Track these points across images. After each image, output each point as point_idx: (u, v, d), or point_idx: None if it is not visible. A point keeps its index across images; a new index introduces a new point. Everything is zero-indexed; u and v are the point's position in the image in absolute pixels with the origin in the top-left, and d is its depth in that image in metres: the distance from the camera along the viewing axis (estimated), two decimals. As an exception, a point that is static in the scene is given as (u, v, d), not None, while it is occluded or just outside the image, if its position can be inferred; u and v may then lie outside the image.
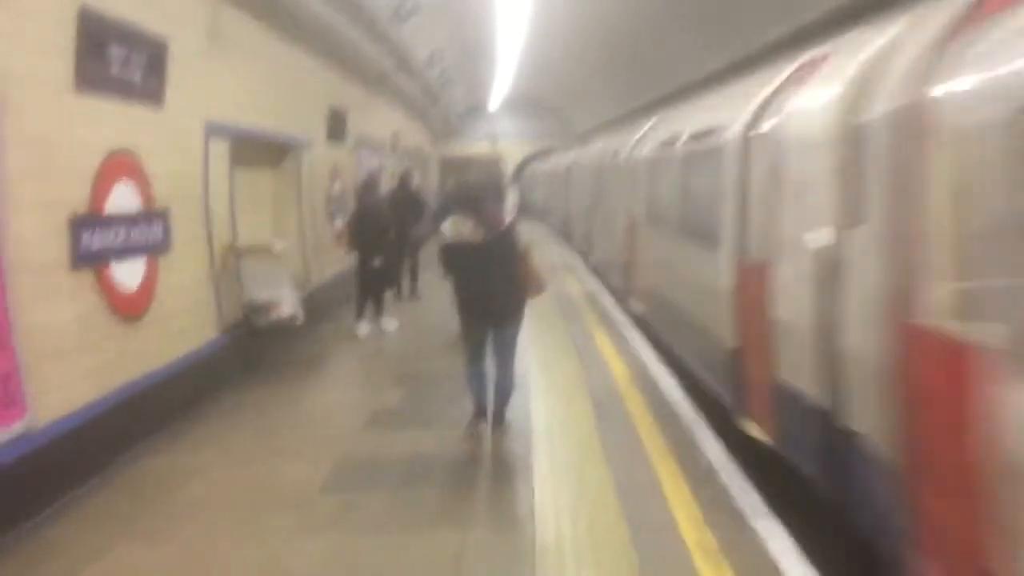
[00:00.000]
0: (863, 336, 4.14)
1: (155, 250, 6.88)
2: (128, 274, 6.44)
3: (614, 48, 19.82)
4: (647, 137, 12.07)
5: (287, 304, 9.11)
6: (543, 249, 21.45)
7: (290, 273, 9.96)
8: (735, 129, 6.65)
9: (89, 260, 5.86)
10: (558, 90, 31.90)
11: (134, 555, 4.61)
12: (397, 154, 20.93)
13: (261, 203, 10.93)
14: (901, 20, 4.53)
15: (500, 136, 39.61)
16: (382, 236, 10.69)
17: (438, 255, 6.54)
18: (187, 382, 7.33)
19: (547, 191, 32.23)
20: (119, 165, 6.29)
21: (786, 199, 5.31)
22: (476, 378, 6.64)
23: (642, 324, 10.88)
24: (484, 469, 5.91)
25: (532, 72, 27.61)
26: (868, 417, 4.10)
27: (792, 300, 5.12)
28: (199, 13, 7.82)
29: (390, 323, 11.10)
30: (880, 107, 4.09)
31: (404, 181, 13.96)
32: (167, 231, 7.09)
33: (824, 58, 5.46)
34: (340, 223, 13.66)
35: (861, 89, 4.42)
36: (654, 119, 13.07)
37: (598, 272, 16.61)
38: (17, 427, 4.93)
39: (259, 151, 10.46)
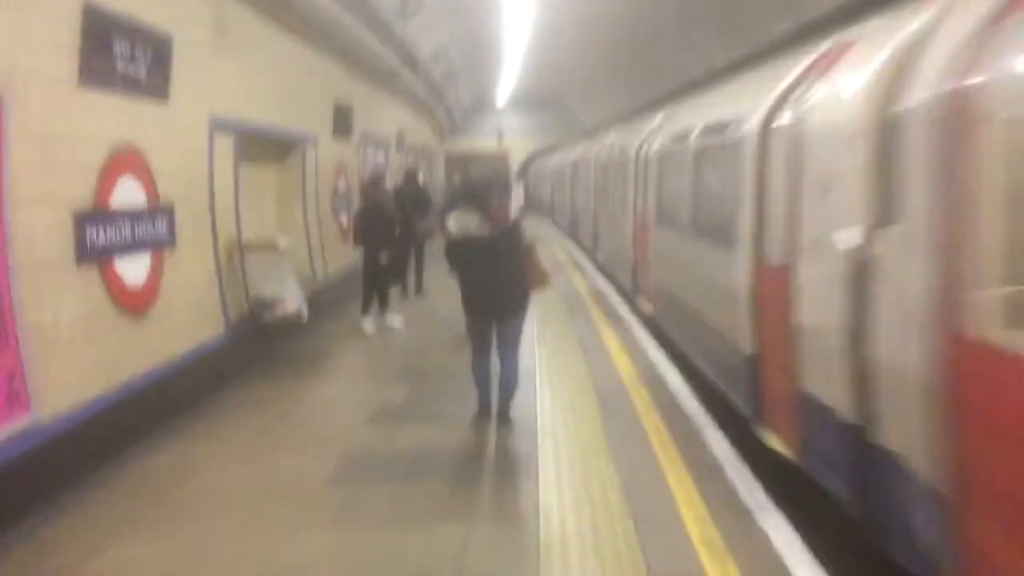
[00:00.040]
0: (901, 346, 3.77)
1: (160, 246, 6.89)
2: (133, 270, 6.45)
3: (620, 44, 19.79)
4: (656, 132, 11.65)
5: (292, 300, 9.11)
6: (549, 247, 21.45)
7: (295, 269, 9.96)
8: (753, 122, 6.27)
9: (94, 256, 5.86)
10: (564, 86, 31.89)
11: (138, 550, 4.61)
12: (403, 150, 20.92)
13: (266, 199, 10.94)
14: (932, 5, 4.19)
15: (506, 132, 39.62)
16: (388, 232, 10.67)
17: (444, 250, 6.54)
18: (192, 378, 7.33)
19: (553, 187, 31.88)
20: (124, 161, 6.29)
21: (811, 196, 4.93)
22: (481, 372, 6.69)
23: (650, 322, 10.85)
24: (489, 464, 5.90)
25: (538, 68, 27.56)
26: (907, 436, 3.75)
27: (818, 305, 4.75)
28: (204, 8, 7.81)
29: (395, 319, 11.08)
30: (920, 95, 3.74)
31: (410, 177, 13.95)
32: (172, 227, 7.10)
33: (850, 45, 5.08)
34: (345, 219, 13.66)
35: (896, 76, 4.07)
36: (663, 113, 12.63)
37: (605, 270, 16.36)
38: (21, 423, 4.94)
39: (264, 147, 10.46)
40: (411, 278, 13.49)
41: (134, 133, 6.45)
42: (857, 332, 4.21)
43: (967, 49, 3.46)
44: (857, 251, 4.21)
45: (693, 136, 8.58)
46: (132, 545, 4.67)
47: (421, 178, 15.64)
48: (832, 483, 4.66)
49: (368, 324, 10.78)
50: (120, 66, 6.17)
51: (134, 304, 6.43)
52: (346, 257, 13.30)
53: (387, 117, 18.63)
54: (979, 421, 3.22)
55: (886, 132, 4.05)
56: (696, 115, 9.24)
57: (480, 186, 6.32)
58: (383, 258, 10.53)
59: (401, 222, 11.14)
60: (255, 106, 9.39)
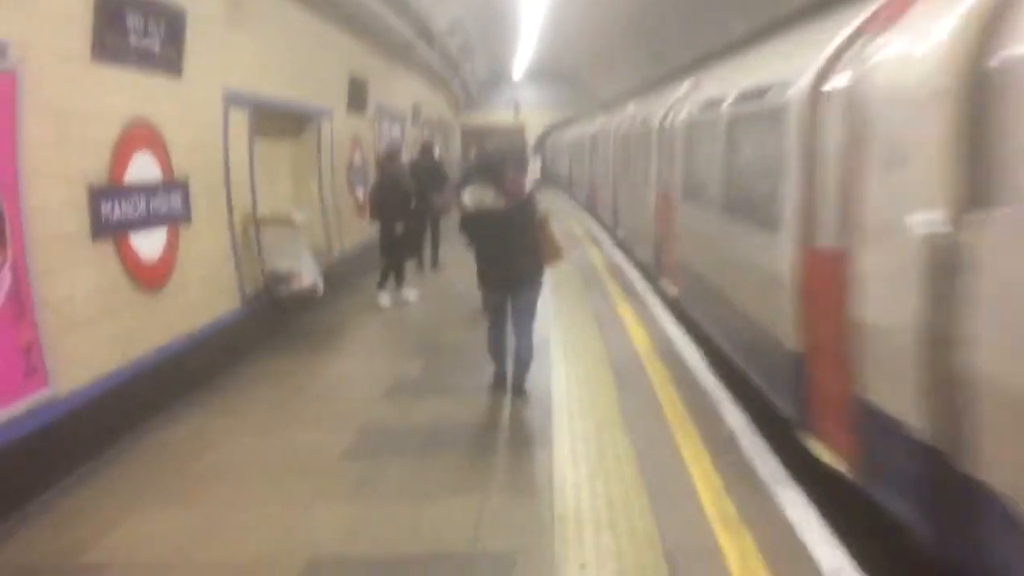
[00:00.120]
0: (1006, 358, 3.14)
1: (175, 220, 6.90)
2: (149, 244, 6.47)
3: (637, 16, 19.59)
4: (683, 100, 10.79)
5: (307, 274, 9.12)
6: (565, 221, 21.35)
7: (310, 243, 9.97)
8: (800, 85, 5.47)
9: (109, 230, 5.88)
10: (581, 59, 31.64)
11: (154, 523, 4.65)
12: (418, 124, 20.85)
13: (281, 173, 10.93)
14: None
15: (522, 105, 39.42)
16: (404, 206, 10.66)
17: (459, 224, 6.53)
18: (208, 352, 7.37)
19: (571, 161, 31.22)
20: (138, 135, 6.29)
21: (875, 170, 4.22)
22: (497, 345, 6.75)
23: (671, 302, 10.76)
24: (504, 438, 5.91)
25: (554, 41, 27.37)
26: (1009, 469, 3.16)
27: (886, 299, 4.06)
28: (217, -19, 7.77)
29: (411, 293, 11.09)
30: None
31: (426, 150, 13.90)
32: (187, 201, 7.10)
33: None
34: (361, 193, 13.65)
35: (991, 21, 3.42)
36: (690, 81, 11.60)
37: (625, 247, 15.75)
38: (39, 397, 4.98)
39: (279, 121, 10.43)
40: (427, 252, 13.49)
41: (148, 108, 6.44)
42: (942, 335, 3.52)
43: None
44: (941, 237, 3.52)
45: (726, 104, 7.76)
46: (148, 518, 4.71)
47: (437, 152, 15.58)
48: (899, 508, 4.04)
49: (384, 298, 10.79)
50: (133, 40, 6.15)
51: (150, 278, 6.45)
52: (362, 231, 13.29)
53: (402, 91, 18.55)
54: None
55: (977, 91, 3.42)
56: (728, 81, 8.44)
57: (495, 160, 6.32)
58: (398, 228, 10.52)
59: (417, 196, 11.12)
60: (269, 80, 9.36)
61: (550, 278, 6.47)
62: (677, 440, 5.54)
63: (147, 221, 6.42)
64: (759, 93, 6.62)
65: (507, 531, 4.41)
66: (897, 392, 3.94)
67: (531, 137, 39.92)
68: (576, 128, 31.21)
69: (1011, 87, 3.22)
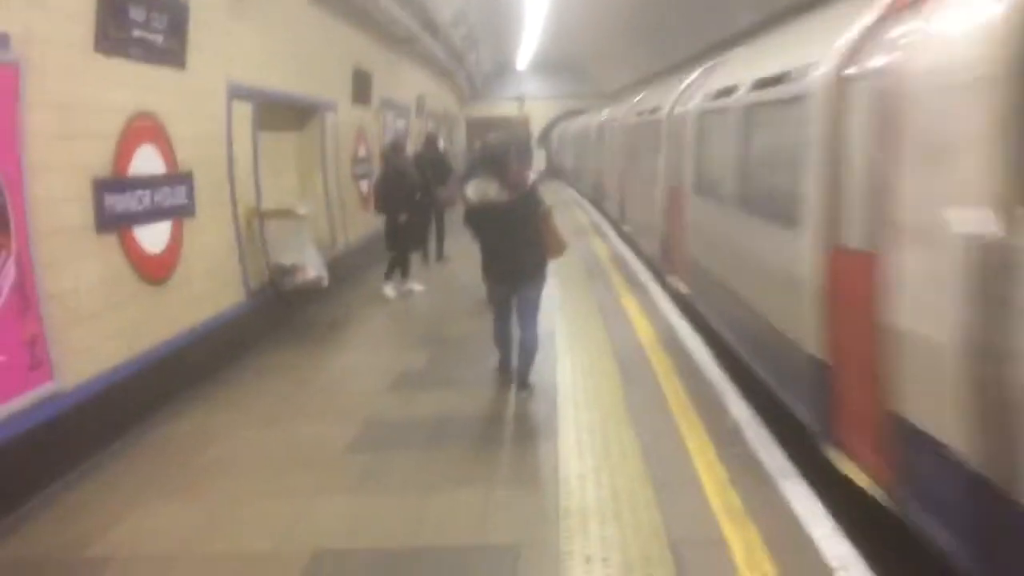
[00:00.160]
0: None
1: (180, 213, 6.90)
2: (153, 237, 6.48)
3: (643, 4, 19.50)
4: (692, 88, 10.28)
5: (312, 267, 9.12)
6: (571, 212, 21.34)
7: (315, 236, 9.96)
8: (824, 70, 5.01)
9: (114, 223, 5.88)
10: (586, 49, 31.53)
11: (158, 516, 4.66)
12: (423, 116, 20.82)
13: (286, 166, 10.92)
14: None
15: (527, 97, 39.31)
16: (408, 198, 10.66)
17: (463, 217, 6.52)
18: (213, 345, 7.37)
19: (576, 153, 30.77)
20: (142, 128, 6.29)
21: (910, 163, 3.84)
22: (502, 337, 6.77)
23: (674, 294, 10.72)
24: (509, 430, 5.90)
25: (558, 32, 27.27)
26: None
27: (924, 306, 3.65)
28: (220, -27, 7.75)
29: (416, 285, 11.09)
30: None
31: (430, 142, 13.89)
32: (191, 194, 7.10)
33: None
34: (366, 186, 13.64)
35: None
36: (700, 69, 11.06)
37: (632, 242, 15.22)
38: (44, 390, 4.98)
39: (283, 114, 10.42)
40: (432, 244, 13.48)
41: (152, 100, 6.44)
42: (990, 348, 3.16)
43: None
44: (989, 238, 3.15)
45: (740, 92, 7.28)
46: (153, 511, 4.71)
47: (441, 144, 15.57)
48: (940, 539, 3.66)
49: (389, 289, 10.80)
50: (136, 32, 6.14)
51: (154, 271, 6.46)
52: (367, 224, 13.28)
53: (407, 83, 18.52)
54: None
55: None
56: (742, 68, 8.01)
57: (499, 152, 6.27)
58: (403, 217, 10.52)
59: (421, 188, 11.12)
60: (273, 72, 9.34)
61: (555, 270, 6.43)
62: (682, 431, 5.53)
63: (151, 214, 6.42)
64: (777, 80, 6.14)
65: (512, 523, 4.40)
66: (938, 410, 3.55)
67: (535, 129, 39.83)
68: (581, 119, 30.78)
69: None
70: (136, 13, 6.08)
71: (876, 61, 4.37)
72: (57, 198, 5.24)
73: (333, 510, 4.66)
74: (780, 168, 5.95)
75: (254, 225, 8.69)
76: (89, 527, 4.51)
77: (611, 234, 16.87)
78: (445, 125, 26.52)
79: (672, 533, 4.16)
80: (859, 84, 4.56)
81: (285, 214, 9.18)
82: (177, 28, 6.70)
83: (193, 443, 5.80)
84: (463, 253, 11.30)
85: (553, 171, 38.52)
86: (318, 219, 10.92)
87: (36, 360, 4.93)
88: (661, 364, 7.11)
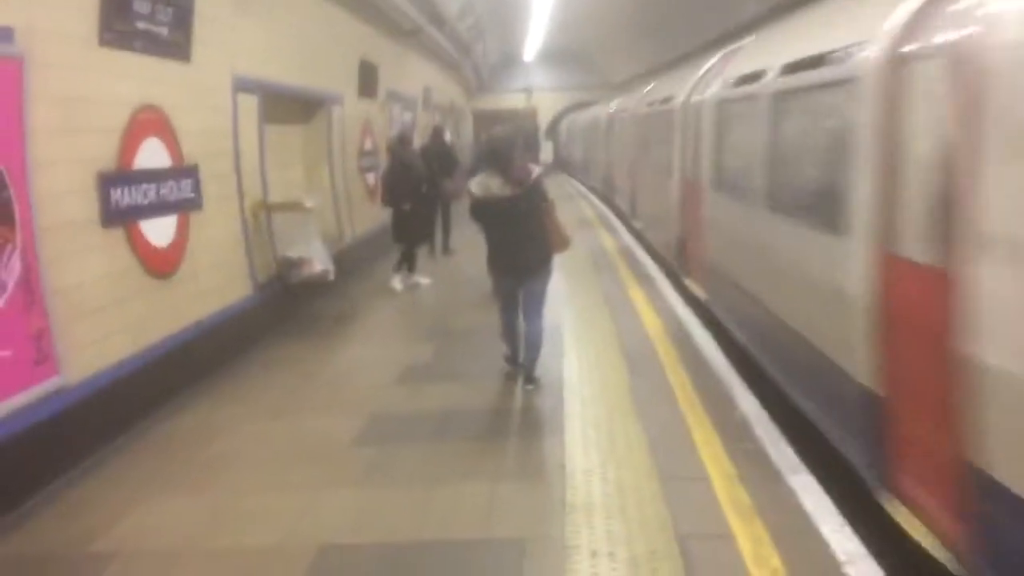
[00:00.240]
0: None
1: (186, 207, 6.89)
2: (159, 231, 6.47)
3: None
4: (711, 75, 9.57)
5: (319, 260, 9.12)
6: (578, 204, 21.28)
7: (321, 229, 9.95)
8: (875, 49, 4.34)
9: (119, 217, 5.88)
10: (594, 40, 31.42)
11: (163, 510, 4.66)
12: (430, 109, 20.78)
13: (292, 159, 10.90)
14: None
15: (535, 88, 39.21)
16: (416, 191, 10.65)
17: (469, 210, 6.51)
18: (219, 339, 7.37)
19: (585, 145, 30.21)
20: (147, 121, 6.27)
21: (998, 158, 3.20)
22: (509, 329, 6.75)
23: (673, 273, 10.65)
24: (515, 423, 5.88)
25: (567, 22, 27.16)
26: None
27: (1018, 338, 3.05)
28: (224, -35, 7.73)
29: (422, 279, 11.08)
30: None
31: (437, 135, 13.86)
32: (197, 187, 7.09)
33: None
34: (372, 179, 13.62)
35: None
36: (717, 55, 10.29)
37: (643, 239, 14.55)
38: (49, 385, 4.98)
39: (289, 106, 10.40)
40: (439, 237, 13.45)
41: (157, 93, 6.42)
42: None
43: None
44: None
45: (768, 77, 6.54)
46: (157, 506, 4.71)
47: (448, 136, 15.54)
48: None
49: (397, 282, 10.80)
50: (141, 25, 6.12)
51: (160, 265, 6.45)
52: (373, 217, 13.28)
53: (413, 75, 18.48)
54: None
55: None
56: (769, 51, 7.26)
57: (503, 146, 6.25)
58: (407, 206, 10.55)
59: (428, 181, 11.10)
60: (279, 65, 9.32)
61: (562, 263, 6.40)
62: (689, 425, 5.50)
63: (157, 208, 6.41)
64: (814, 62, 5.43)
65: (518, 517, 4.38)
66: None
67: (543, 121, 39.74)
68: (590, 110, 30.29)
69: None
70: (140, 6, 6.06)
71: (947, 35, 3.67)
72: (62, 192, 5.23)
73: (339, 504, 4.65)
74: (819, 162, 5.34)
75: (260, 218, 8.68)
76: (93, 522, 4.51)
77: (619, 226, 16.79)
78: (452, 118, 26.48)
79: (679, 527, 4.13)
80: (924, 63, 3.86)
81: (292, 207, 9.17)
82: (182, 21, 6.68)
83: (198, 437, 5.80)
84: (469, 246, 11.29)
85: (561, 164, 38.42)
86: (324, 212, 10.92)
87: (42, 354, 4.93)
88: (668, 357, 7.08)
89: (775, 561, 3.76)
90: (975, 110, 3.34)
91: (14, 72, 4.73)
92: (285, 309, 9.08)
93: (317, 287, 9.45)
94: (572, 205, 21.11)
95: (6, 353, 4.62)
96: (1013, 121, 3.14)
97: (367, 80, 13.47)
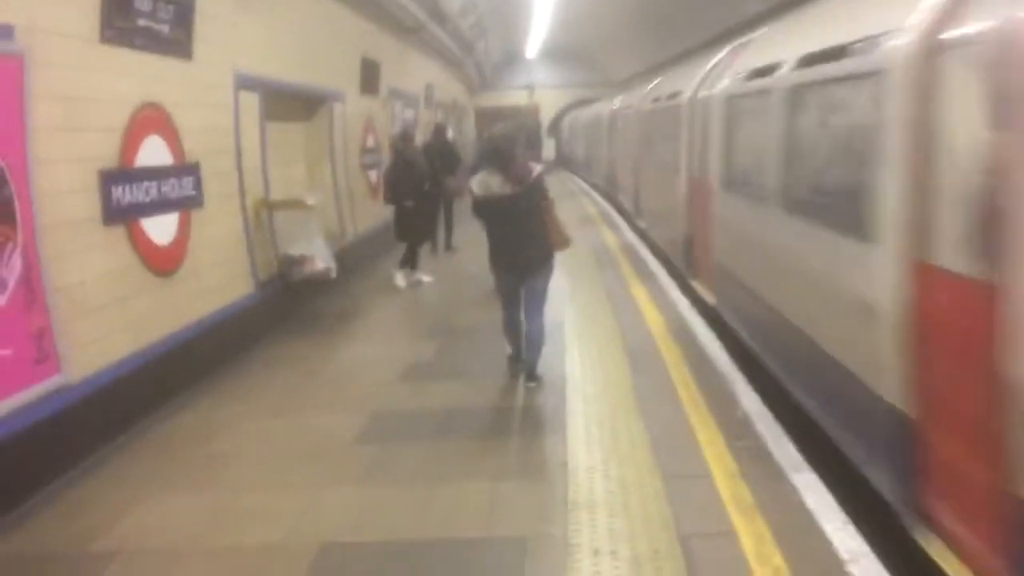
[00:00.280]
0: None
1: (187, 204, 6.88)
2: (161, 229, 6.46)
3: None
4: (720, 68, 9.16)
5: (320, 258, 9.11)
6: (584, 207, 21.25)
7: (323, 227, 9.95)
8: (905, 39, 3.93)
9: (121, 215, 5.87)
10: (596, 37, 31.35)
11: (165, 509, 4.65)
12: (432, 106, 20.76)
13: (294, 157, 10.89)
14: None
15: (537, 86, 39.18)
16: (418, 188, 10.65)
17: (471, 208, 6.51)
18: (221, 337, 7.36)
19: (588, 143, 29.85)
20: (148, 119, 6.26)
21: None
22: (511, 326, 6.74)
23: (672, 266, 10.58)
24: (517, 421, 5.87)
25: (569, 19, 27.10)
26: None
27: None
28: (226, -37, 7.71)
29: (425, 276, 11.08)
30: None
31: (439, 132, 13.86)
32: (199, 185, 7.08)
33: None
34: (374, 176, 13.61)
35: None
36: (726, 49, 9.80)
37: (647, 239, 14.19)
38: (50, 383, 4.97)
39: (291, 104, 10.38)
40: (441, 235, 13.44)
41: (158, 91, 6.41)
42: None
43: None
44: None
45: (783, 70, 6.13)
46: (159, 505, 4.71)
47: (450, 134, 15.53)
48: None
49: (400, 279, 10.80)
50: (142, 22, 6.11)
51: (162, 263, 6.44)
52: (375, 215, 13.27)
53: (415, 72, 18.46)
54: None
55: None
56: (783, 44, 6.87)
57: (503, 144, 6.24)
58: (409, 203, 10.55)
59: (430, 178, 11.10)
60: (280, 63, 9.31)
61: (564, 260, 6.39)
62: (692, 423, 5.48)
63: (158, 205, 6.40)
64: (837, 53, 5.00)
65: (520, 515, 4.37)
66: None
67: (545, 118, 39.71)
68: (593, 107, 30.02)
69: None
70: (142, 3, 6.05)
71: (994, 17, 3.27)
72: (63, 190, 5.22)
73: (341, 502, 4.64)
74: (842, 161, 5.00)
75: (262, 216, 8.68)
76: (94, 521, 4.50)
77: (621, 223, 16.76)
78: (454, 115, 26.45)
79: (681, 526, 4.12)
80: (966, 51, 3.48)
81: (293, 205, 9.16)
82: (183, 18, 6.67)
83: (199, 435, 5.79)
84: (472, 243, 11.27)
85: (563, 161, 38.38)
86: (326, 210, 10.91)
87: (43, 353, 4.92)
88: (671, 354, 7.06)
89: (777, 559, 3.75)
90: (1014, 106, 3.05)
91: (15, 70, 4.72)
92: (287, 307, 9.07)
93: (319, 285, 9.44)
94: (575, 202, 21.10)
95: (7, 352, 4.61)
96: None
97: (369, 77, 13.46)
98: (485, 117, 34.31)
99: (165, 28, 6.41)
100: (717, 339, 7.51)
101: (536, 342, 6.46)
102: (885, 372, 4.04)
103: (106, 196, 5.67)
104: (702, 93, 9.56)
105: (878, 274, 4.10)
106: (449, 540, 4.15)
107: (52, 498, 4.83)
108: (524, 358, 6.55)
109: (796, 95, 5.79)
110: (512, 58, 38.24)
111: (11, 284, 4.66)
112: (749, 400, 5.88)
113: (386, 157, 13.27)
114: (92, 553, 4.18)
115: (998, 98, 3.18)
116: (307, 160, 11.32)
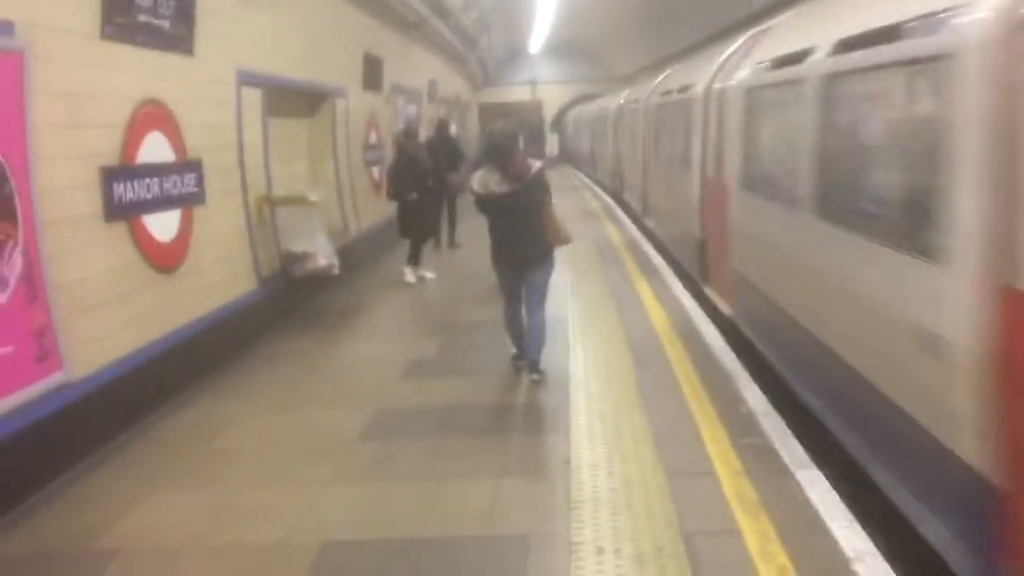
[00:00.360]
0: None
1: (189, 201, 6.87)
2: (163, 225, 6.45)
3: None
4: (738, 58, 8.44)
5: (323, 254, 9.08)
6: (587, 202, 21.20)
7: (326, 223, 9.93)
8: (981, 16, 3.22)
9: (122, 211, 5.85)
10: (600, 32, 31.32)
11: (167, 506, 4.64)
12: (435, 102, 20.73)
13: (297, 153, 10.88)
14: None
15: (541, 81, 39.12)
16: (422, 184, 10.64)
17: (474, 204, 6.50)
18: (223, 333, 7.35)
19: (593, 138, 29.20)
20: (150, 115, 6.24)
21: None
22: (514, 321, 6.74)
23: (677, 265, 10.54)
24: (520, 418, 5.85)
25: (572, 14, 27.06)
26: None
27: None
28: (228, -42, 7.69)
29: (428, 272, 11.06)
30: None
31: (442, 128, 13.83)
32: (201, 182, 7.06)
33: None
34: (377, 172, 13.60)
35: None
36: (744, 36, 9.10)
37: (655, 241, 13.59)
38: (51, 381, 4.95)
39: (293, 100, 10.37)
40: (444, 231, 13.41)
41: (159, 87, 6.39)
42: None
43: None
44: None
45: (816, 56, 5.32)
46: (160, 503, 4.69)
47: (453, 129, 15.50)
48: None
49: (409, 274, 10.88)
50: (143, 19, 6.09)
51: (164, 260, 6.43)
52: (378, 211, 13.25)
53: (418, 68, 18.43)
54: None
55: None
56: (813, 27, 6.11)
57: (503, 141, 6.24)
58: (413, 196, 10.54)
59: (433, 174, 11.08)
60: (282, 59, 9.28)
61: (567, 256, 6.36)
62: (696, 420, 5.46)
63: (160, 202, 6.39)
64: (887, 34, 4.15)
65: (523, 513, 4.35)
66: None
67: (549, 114, 39.65)
68: (598, 102, 29.60)
69: None
70: (142, -1, 6.04)
71: None
72: (64, 187, 5.20)
73: (343, 499, 4.62)
74: (896, 163, 4.30)
75: (265, 212, 8.66)
76: (96, 519, 4.49)
77: (624, 219, 16.71)
78: (457, 111, 26.42)
79: (685, 523, 4.09)
80: None
81: (296, 201, 9.14)
82: (184, 14, 6.65)
83: (202, 432, 5.78)
84: (475, 239, 11.24)
85: (567, 157, 38.31)
86: (329, 206, 10.89)
87: (44, 350, 4.90)
88: (675, 350, 7.04)
89: (782, 558, 3.72)
90: None
91: (15, 66, 4.70)
92: (289, 303, 9.06)
93: (321, 281, 9.42)
94: (578, 196, 21.06)
95: (8, 349, 4.60)
96: None
97: (372, 73, 13.43)
98: (488, 113, 34.29)
99: (166, 24, 6.39)
100: (721, 337, 7.47)
101: (537, 336, 6.46)
102: (958, 422, 3.31)
103: (107, 193, 5.65)
104: (717, 85, 8.86)
105: (948, 300, 3.38)
106: (451, 538, 4.13)
107: (53, 496, 4.81)
108: (526, 353, 6.54)
109: (834, 84, 5.01)
110: (515, 53, 38.18)
111: (12, 281, 4.64)
112: (753, 397, 5.85)
113: (389, 153, 13.25)
114: (93, 551, 4.16)
115: None
116: (310, 156, 11.30)
